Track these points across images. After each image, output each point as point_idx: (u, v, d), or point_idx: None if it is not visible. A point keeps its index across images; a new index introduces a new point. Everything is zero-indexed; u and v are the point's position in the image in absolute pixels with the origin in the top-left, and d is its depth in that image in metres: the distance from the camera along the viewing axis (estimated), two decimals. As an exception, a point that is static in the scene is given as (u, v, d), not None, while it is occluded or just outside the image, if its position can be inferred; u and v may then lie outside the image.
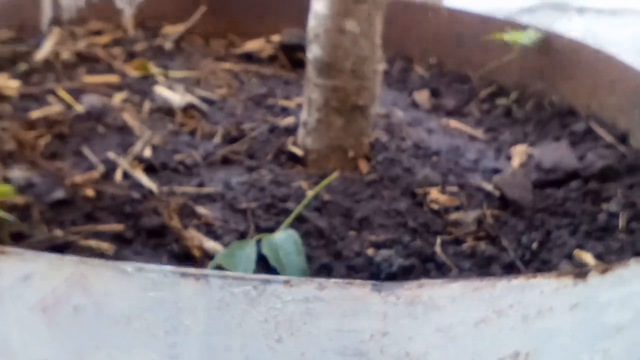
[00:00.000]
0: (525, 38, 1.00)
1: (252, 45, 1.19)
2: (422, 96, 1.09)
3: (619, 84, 0.93)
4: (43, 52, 0.94)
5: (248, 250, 0.58)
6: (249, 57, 1.18)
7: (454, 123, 1.00)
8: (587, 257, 0.62)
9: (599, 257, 0.63)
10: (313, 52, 0.77)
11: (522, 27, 1.07)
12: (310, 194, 0.69)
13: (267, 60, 1.18)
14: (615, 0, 1.20)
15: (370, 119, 0.81)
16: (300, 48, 1.15)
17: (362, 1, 0.74)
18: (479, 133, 0.98)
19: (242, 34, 1.22)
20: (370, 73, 0.78)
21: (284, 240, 0.60)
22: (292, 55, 1.18)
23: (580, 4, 1.21)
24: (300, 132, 0.82)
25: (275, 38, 1.21)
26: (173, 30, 1.15)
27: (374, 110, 0.81)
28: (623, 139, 0.89)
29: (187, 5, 1.19)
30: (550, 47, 1.05)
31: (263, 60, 1.18)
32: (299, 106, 0.98)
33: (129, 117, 0.82)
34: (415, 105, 1.08)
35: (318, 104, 0.78)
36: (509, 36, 1.02)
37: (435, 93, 1.11)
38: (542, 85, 1.06)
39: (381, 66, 0.80)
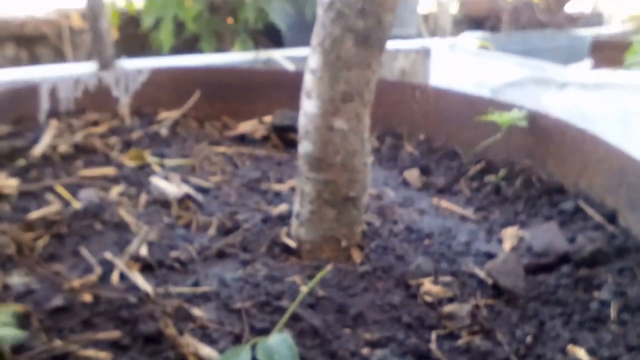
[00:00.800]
0: (510, 119, 1.03)
1: (245, 126, 1.22)
2: (413, 175, 1.11)
3: (605, 164, 0.95)
4: (41, 147, 0.96)
5: (243, 356, 0.59)
6: (242, 139, 1.20)
7: (445, 203, 1.01)
8: (580, 353, 0.62)
9: (591, 351, 0.63)
10: (304, 147, 0.79)
11: (506, 107, 1.10)
12: (304, 289, 0.70)
13: (260, 141, 1.21)
14: (598, 74, 1.24)
15: (361, 209, 0.83)
16: (292, 129, 1.18)
17: (349, 100, 0.77)
18: (469, 213, 0.99)
19: (236, 116, 1.25)
20: (360, 166, 0.80)
21: (279, 344, 0.60)
22: (284, 136, 1.20)
23: (563, 79, 1.25)
24: (294, 223, 0.83)
25: (268, 119, 1.24)
26: (169, 115, 1.18)
27: (365, 200, 0.83)
28: (612, 218, 0.91)
29: (182, 91, 1.22)
30: (535, 125, 1.07)
31: (256, 141, 1.21)
32: (292, 189, 1.00)
33: (125, 213, 0.83)
34: (406, 183, 1.10)
35: (310, 197, 0.80)
36: (495, 117, 1.05)
37: (425, 171, 1.13)
38: (529, 162, 1.09)
39: (370, 159, 0.82)
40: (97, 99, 1.13)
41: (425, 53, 2.71)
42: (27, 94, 1.04)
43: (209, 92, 1.23)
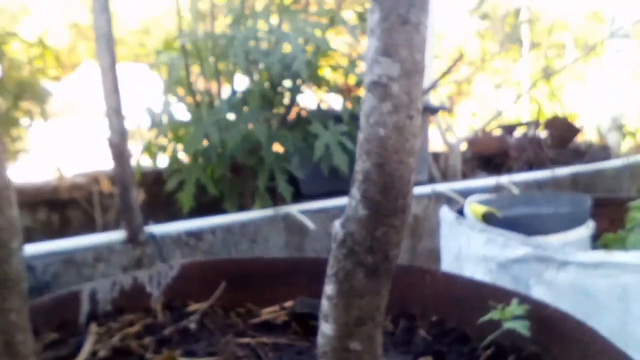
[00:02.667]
0: (510, 313, 1.11)
1: (268, 313, 1.31)
2: (427, 362, 1.18)
3: (603, 356, 1.02)
4: (83, 355, 1.05)
5: None
6: (265, 326, 1.29)
7: (457, 395, 1.08)
8: None
9: None
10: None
11: (509, 295, 1.18)
12: None
13: (282, 327, 1.29)
14: (597, 255, 1.32)
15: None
16: (312, 316, 1.27)
17: (363, 324, 0.86)
18: (481, 407, 1.05)
19: (259, 302, 1.34)
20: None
21: None
22: (305, 323, 1.29)
23: (564, 258, 1.33)
24: None
25: (288, 304, 1.33)
26: (198, 307, 1.28)
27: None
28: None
29: (210, 281, 1.32)
30: (537, 314, 1.15)
31: (278, 328, 1.29)
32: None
33: None
34: (421, 371, 1.16)
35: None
36: (497, 314, 1.13)
37: (438, 356, 1.20)
38: (535, 348, 1.15)
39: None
40: (132, 296, 1.23)
41: (437, 198, 2.84)
42: (69, 299, 1.14)
43: (234, 281, 1.33)
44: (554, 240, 1.66)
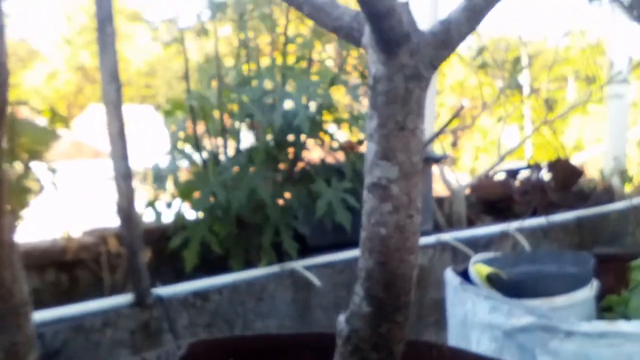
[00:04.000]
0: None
1: (276, 389, 1.32)
2: None
3: None
4: None
5: None
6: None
7: None
8: None
9: None
10: None
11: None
12: None
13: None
14: (601, 325, 1.33)
15: None
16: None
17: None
18: None
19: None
20: None
21: None
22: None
23: (568, 327, 1.34)
24: None
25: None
26: (205, 386, 1.29)
27: None
28: None
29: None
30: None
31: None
32: None
33: None
34: None
35: None
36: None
37: None
38: None
39: None
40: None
41: (443, 248, 2.85)
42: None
43: (241, 358, 1.34)
44: (559, 302, 1.67)
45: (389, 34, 0.81)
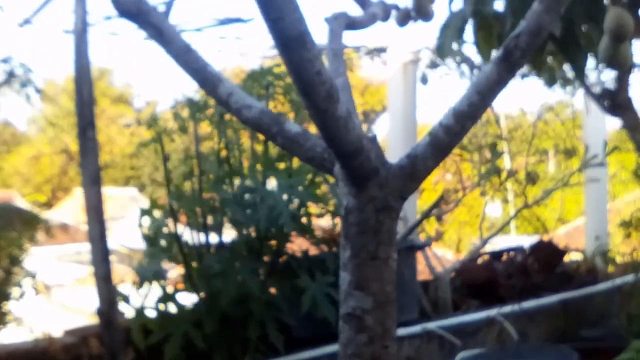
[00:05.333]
0: None
1: None
2: None
3: None
4: None
5: None
6: None
7: None
8: None
9: None
10: None
11: None
12: None
13: None
14: None
15: None
16: None
17: None
18: None
19: None
20: None
21: None
22: None
23: None
24: None
25: None
26: None
27: None
28: None
29: None
30: None
31: None
32: None
33: None
34: None
35: None
36: None
37: None
38: None
39: None
40: None
41: (429, 337, 2.83)
42: None
43: None
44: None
45: (358, 170, 0.84)
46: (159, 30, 0.95)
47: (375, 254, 0.86)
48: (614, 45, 1.17)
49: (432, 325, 2.85)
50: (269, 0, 0.68)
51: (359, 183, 0.85)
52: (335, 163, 0.91)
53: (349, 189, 0.87)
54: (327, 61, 1.06)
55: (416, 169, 0.86)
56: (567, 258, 3.79)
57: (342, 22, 1.10)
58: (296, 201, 2.42)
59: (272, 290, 2.41)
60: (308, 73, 0.72)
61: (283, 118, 0.94)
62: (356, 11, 1.21)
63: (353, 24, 1.14)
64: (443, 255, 5.71)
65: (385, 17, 1.31)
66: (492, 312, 3.00)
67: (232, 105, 0.96)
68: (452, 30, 1.36)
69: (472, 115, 0.84)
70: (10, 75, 2.28)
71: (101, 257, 1.97)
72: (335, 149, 0.81)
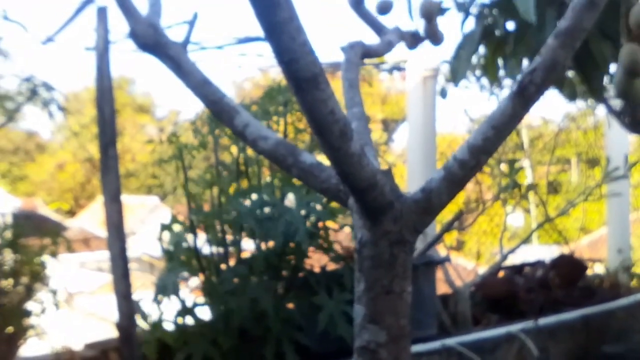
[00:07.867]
0: None
1: None
2: None
3: None
4: None
5: None
6: None
7: None
8: None
9: None
10: None
11: None
12: None
13: None
14: None
15: None
16: None
17: None
18: None
19: None
20: None
21: None
22: None
23: None
24: None
25: None
26: None
27: None
28: None
29: None
30: None
31: None
32: None
33: None
34: None
35: None
36: None
37: None
38: None
39: None
40: None
41: (449, 354, 2.81)
42: None
43: None
44: None
45: (372, 204, 0.84)
46: (177, 63, 0.96)
47: (389, 288, 0.86)
48: (628, 80, 1.17)
49: (451, 341, 2.83)
50: (283, 43, 0.69)
51: (373, 217, 0.85)
52: (349, 195, 0.92)
53: (363, 222, 0.87)
54: (343, 90, 1.07)
55: (431, 203, 0.86)
56: (590, 271, 3.75)
57: (358, 51, 1.11)
58: (313, 217, 2.43)
59: (290, 305, 2.41)
60: (321, 113, 0.73)
61: (298, 150, 0.94)
62: (371, 38, 1.22)
63: (369, 52, 1.14)
64: (464, 266, 5.67)
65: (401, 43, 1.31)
66: (512, 328, 2.97)
67: (248, 137, 0.97)
68: (465, 52, 1.35)
69: (487, 150, 0.84)
70: (33, 93, 2.32)
71: (121, 274, 1.99)
72: (349, 184, 0.81)
